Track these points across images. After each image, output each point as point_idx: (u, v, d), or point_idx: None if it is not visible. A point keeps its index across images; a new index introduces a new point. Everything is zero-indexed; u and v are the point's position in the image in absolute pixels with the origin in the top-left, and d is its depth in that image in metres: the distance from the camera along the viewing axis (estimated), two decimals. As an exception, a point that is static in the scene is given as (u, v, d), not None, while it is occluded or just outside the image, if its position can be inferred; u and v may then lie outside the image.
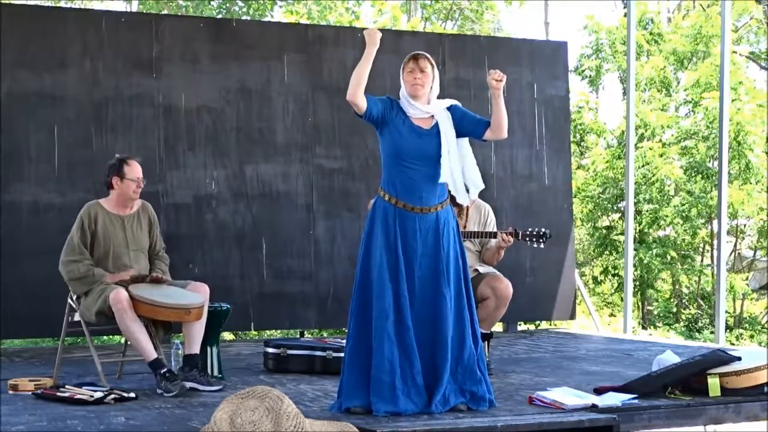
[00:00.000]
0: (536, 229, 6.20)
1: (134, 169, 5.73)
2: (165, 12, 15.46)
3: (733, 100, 12.67)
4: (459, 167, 4.89)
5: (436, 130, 4.87)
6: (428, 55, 4.94)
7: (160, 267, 5.84)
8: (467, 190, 4.99)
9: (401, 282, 4.78)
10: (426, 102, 4.90)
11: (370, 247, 4.86)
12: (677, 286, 14.07)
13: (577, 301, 9.71)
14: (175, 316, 5.49)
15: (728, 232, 13.27)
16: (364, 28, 12.93)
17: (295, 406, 4.00)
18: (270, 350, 6.35)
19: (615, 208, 13.96)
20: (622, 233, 12.67)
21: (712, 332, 12.02)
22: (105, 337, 9.41)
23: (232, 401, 3.99)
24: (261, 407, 3.90)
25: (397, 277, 4.78)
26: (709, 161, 13.21)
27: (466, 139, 4.99)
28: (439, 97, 4.99)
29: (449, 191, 4.97)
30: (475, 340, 4.93)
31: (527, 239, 6.19)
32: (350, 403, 4.78)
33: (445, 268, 4.84)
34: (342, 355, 6.07)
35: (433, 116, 4.90)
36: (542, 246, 6.27)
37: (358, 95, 4.72)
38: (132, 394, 5.16)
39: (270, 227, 8.49)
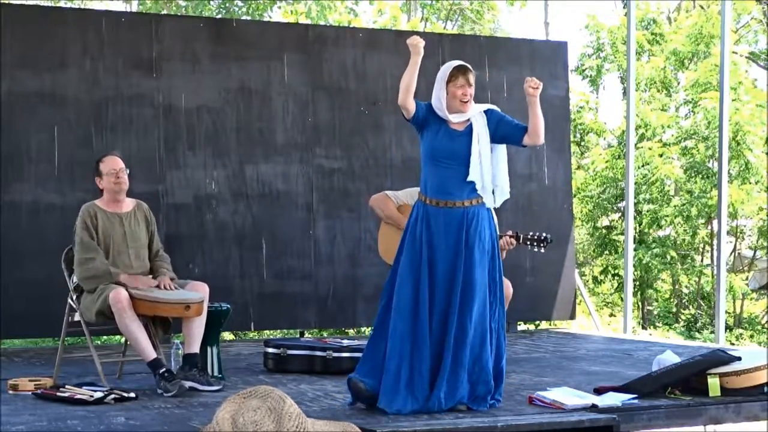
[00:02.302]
0: (537, 233, 6.20)
1: (108, 163, 5.76)
2: (165, 12, 15.45)
3: (733, 100, 12.67)
4: (489, 168, 4.97)
5: (469, 131, 4.97)
6: (470, 66, 5.05)
7: (165, 267, 5.79)
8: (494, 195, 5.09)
9: (422, 275, 4.89)
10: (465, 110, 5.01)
11: (401, 245, 5.02)
12: (677, 286, 14.07)
13: (577, 301, 9.71)
14: (174, 312, 5.49)
15: (728, 232, 13.27)
16: (364, 28, 12.97)
17: (297, 407, 4.00)
18: (270, 350, 6.36)
19: (615, 208, 13.96)
20: (622, 233, 12.67)
21: (712, 332, 12.02)
22: (105, 337, 9.41)
23: (234, 401, 3.98)
24: (263, 407, 3.89)
25: (419, 270, 4.90)
26: (709, 161, 13.21)
27: (503, 147, 5.08)
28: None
29: None
30: (498, 342, 4.97)
31: (528, 243, 6.19)
32: (361, 377, 4.89)
33: (467, 263, 4.88)
34: (343, 355, 6.16)
35: (468, 119, 5.00)
36: (543, 251, 6.28)
37: (408, 101, 4.92)
38: (132, 394, 5.16)
39: (270, 227, 8.48)
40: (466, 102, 4.97)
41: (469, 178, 4.91)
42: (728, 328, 12.57)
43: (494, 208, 6.48)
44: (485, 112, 5.05)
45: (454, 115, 4.97)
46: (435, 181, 4.96)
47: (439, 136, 4.96)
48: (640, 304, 13.93)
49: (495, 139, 5.02)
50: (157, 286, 5.61)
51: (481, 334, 4.89)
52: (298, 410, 3.95)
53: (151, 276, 5.73)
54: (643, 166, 13.03)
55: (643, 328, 13.39)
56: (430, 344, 4.85)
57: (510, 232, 6.22)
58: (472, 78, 5.00)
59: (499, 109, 5.11)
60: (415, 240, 4.95)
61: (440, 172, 4.94)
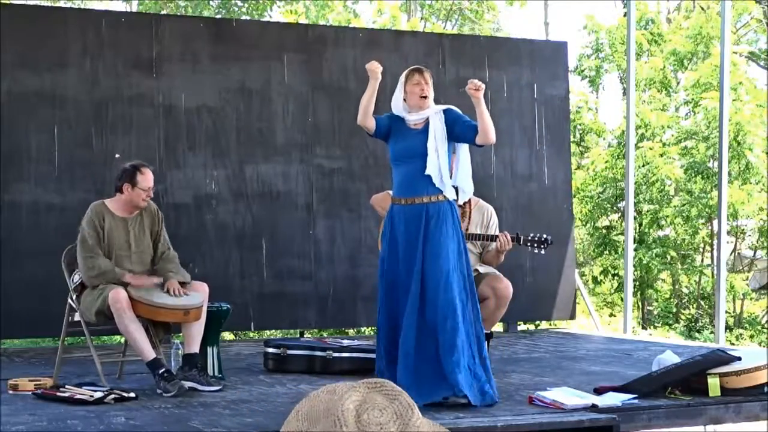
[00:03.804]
0: (538, 235, 6.21)
1: (147, 179, 5.69)
2: (165, 12, 15.46)
3: (733, 101, 12.66)
4: (446, 163, 5.16)
5: (426, 128, 5.18)
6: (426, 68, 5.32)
7: (172, 271, 5.67)
8: (456, 192, 5.30)
9: (387, 270, 5.20)
10: (424, 108, 5.23)
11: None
12: (677, 286, 14.07)
13: (577, 301, 9.71)
14: (173, 317, 5.48)
15: (728, 232, 13.27)
16: (364, 28, 12.97)
17: (423, 418, 3.88)
18: (270, 350, 6.35)
19: (615, 208, 13.96)
20: (622, 233, 12.67)
21: (712, 332, 12.02)
22: (105, 337, 9.40)
23: (359, 389, 3.80)
24: (389, 409, 3.74)
25: (383, 265, 5.23)
26: (709, 161, 13.21)
27: (466, 146, 5.28)
28: (436, 101, 5.33)
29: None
30: (477, 332, 5.06)
31: (528, 244, 6.20)
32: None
33: (427, 258, 5.04)
34: (343, 355, 6.17)
35: (427, 118, 5.20)
36: (543, 252, 6.29)
37: (367, 120, 5.22)
38: (132, 394, 5.16)
39: (270, 227, 8.48)
40: (425, 98, 5.18)
41: (427, 172, 5.08)
42: (728, 328, 12.57)
43: (494, 209, 6.55)
44: (444, 111, 5.23)
45: (413, 114, 5.19)
46: (398, 180, 5.20)
47: (400, 137, 5.20)
48: (640, 304, 13.93)
49: (452, 137, 5.20)
50: (166, 291, 5.55)
51: (453, 327, 4.96)
52: (425, 426, 3.83)
53: (154, 277, 5.70)
54: (643, 165, 13.03)
55: (643, 328, 13.39)
56: (393, 339, 5.11)
57: (508, 233, 6.21)
58: (428, 76, 5.23)
59: (457, 109, 5.26)
60: (384, 237, 5.25)
61: (402, 170, 5.18)
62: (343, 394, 3.77)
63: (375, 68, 5.17)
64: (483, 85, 5.08)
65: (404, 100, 5.25)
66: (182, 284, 5.61)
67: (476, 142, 5.19)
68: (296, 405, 3.94)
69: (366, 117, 5.19)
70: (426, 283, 5.03)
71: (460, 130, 5.19)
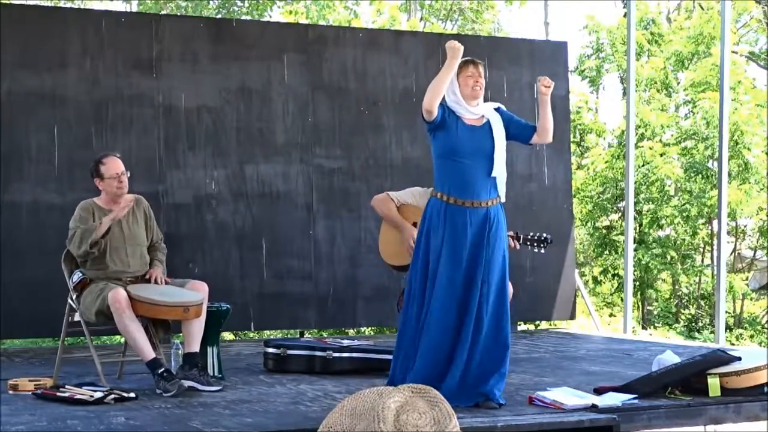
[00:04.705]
0: (538, 234, 6.21)
1: (110, 167, 5.71)
2: (165, 12, 15.47)
3: (733, 100, 12.66)
4: (506, 164, 5.05)
5: (488, 127, 5.04)
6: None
7: (158, 259, 5.82)
8: None
9: (440, 270, 4.92)
10: (477, 104, 5.08)
11: (418, 246, 5.07)
12: (677, 286, 14.07)
13: (577, 301, 9.70)
14: (173, 314, 5.48)
15: (728, 232, 13.27)
16: (364, 28, 12.96)
17: (459, 428, 3.89)
18: (270, 350, 6.35)
19: (615, 208, 13.96)
20: (622, 233, 12.67)
21: (712, 332, 12.02)
22: (105, 337, 9.40)
23: (403, 392, 3.86)
24: (429, 415, 3.79)
25: (435, 264, 4.94)
26: (708, 161, 13.22)
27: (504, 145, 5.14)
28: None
29: None
30: (500, 334, 5.02)
31: (528, 243, 6.20)
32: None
33: (487, 261, 4.93)
34: (343, 355, 6.17)
35: (483, 116, 5.07)
36: (543, 251, 6.29)
37: (435, 105, 4.90)
38: (132, 394, 5.16)
39: (270, 227, 8.48)
40: (479, 90, 5.03)
41: (494, 174, 4.95)
42: (728, 328, 12.57)
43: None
44: (496, 109, 5.14)
45: (471, 108, 5.02)
46: (458, 180, 4.96)
47: (459, 132, 4.98)
48: (640, 304, 13.93)
49: (507, 136, 5.10)
50: (148, 279, 5.64)
51: (504, 344, 4.97)
52: None
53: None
54: (643, 165, 13.03)
55: (643, 328, 13.39)
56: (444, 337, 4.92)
57: (510, 233, 6.21)
58: (482, 69, 5.08)
59: (505, 108, 5.20)
60: (435, 237, 4.97)
61: (461, 169, 4.95)
62: (388, 394, 3.85)
63: (457, 47, 4.91)
64: (553, 83, 5.09)
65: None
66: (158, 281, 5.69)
67: (530, 142, 5.17)
68: (342, 400, 4.01)
69: (434, 102, 4.86)
70: (484, 292, 4.92)
71: (515, 130, 5.13)
